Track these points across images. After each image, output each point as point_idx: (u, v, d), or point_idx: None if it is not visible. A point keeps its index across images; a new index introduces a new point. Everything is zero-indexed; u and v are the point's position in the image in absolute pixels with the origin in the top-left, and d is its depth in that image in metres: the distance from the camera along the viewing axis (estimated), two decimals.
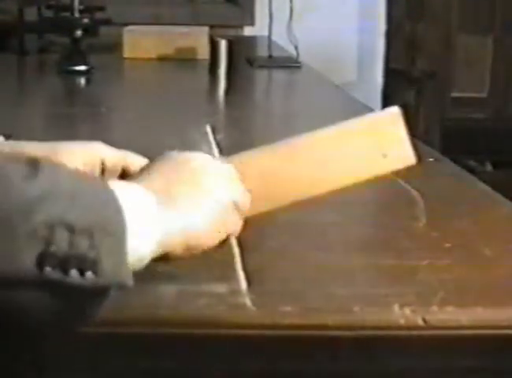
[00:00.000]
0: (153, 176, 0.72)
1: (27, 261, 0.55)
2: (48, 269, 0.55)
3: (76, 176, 0.62)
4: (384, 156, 0.81)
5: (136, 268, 0.64)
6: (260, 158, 0.81)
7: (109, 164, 0.84)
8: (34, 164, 0.57)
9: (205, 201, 0.72)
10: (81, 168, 0.82)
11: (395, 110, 0.82)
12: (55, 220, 0.56)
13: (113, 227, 0.60)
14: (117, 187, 0.63)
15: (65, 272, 0.56)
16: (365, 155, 0.81)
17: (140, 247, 0.64)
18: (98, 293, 0.60)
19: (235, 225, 0.76)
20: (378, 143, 0.81)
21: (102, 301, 0.61)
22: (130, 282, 0.60)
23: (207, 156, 0.78)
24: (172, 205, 0.69)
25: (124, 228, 0.60)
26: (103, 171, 0.84)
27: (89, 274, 0.57)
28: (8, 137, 0.88)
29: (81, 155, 0.83)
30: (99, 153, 0.84)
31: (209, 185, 0.73)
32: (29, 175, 0.56)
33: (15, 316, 0.58)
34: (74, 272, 0.56)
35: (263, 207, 0.81)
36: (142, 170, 0.75)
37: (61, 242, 0.56)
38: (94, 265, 0.57)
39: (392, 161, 0.82)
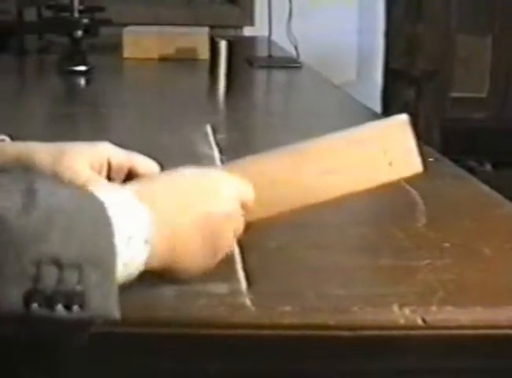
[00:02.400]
0: (155, 184, 0.72)
1: (14, 298, 0.56)
2: (34, 306, 0.57)
3: (72, 201, 0.61)
4: (390, 164, 0.81)
5: (130, 278, 0.65)
6: (266, 164, 0.81)
7: (115, 164, 0.84)
8: (30, 196, 0.58)
9: (197, 212, 0.72)
10: (88, 168, 0.82)
11: (403, 118, 0.82)
12: (45, 258, 0.57)
13: (103, 259, 0.60)
14: (110, 200, 0.63)
15: (52, 307, 0.57)
16: (371, 163, 0.80)
17: (131, 256, 0.65)
18: (84, 325, 0.61)
19: (230, 242, 0.76)
20: (385, 152, 0.80)
21: (87, 331, 0.62)
22: (117, 315, 0.61)
23: (220, 174, 0.78)
24: (158, 210, 0.69)
25: (114, 259, 0.61)
26: (109, 170, 0.84)
27: (75, 308, 0.58)
28: (11, 138, 0.89)
29: (88, 156, 0.83)
30: (106, 154, 0.84)
31: (209, 201, 0.73)
32: (23, 211, 0.57)
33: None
34: (60, 308, 0.57)
35: (268, 212, 0.81)
36: (148, 177, 0.76)
37: (49, 279, 0.57)
38: (81, 299, 0.58)
39: (398, 169, 0.81)
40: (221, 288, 0.79)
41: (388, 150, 0.81)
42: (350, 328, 0.74)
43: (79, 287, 0.58)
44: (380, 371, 0.76)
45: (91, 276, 0.59)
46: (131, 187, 0.70)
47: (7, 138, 0.88)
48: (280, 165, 0.81)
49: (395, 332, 0.75)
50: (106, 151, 0.85)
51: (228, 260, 0.85)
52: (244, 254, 0.88)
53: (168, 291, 0.77)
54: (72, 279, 0.58)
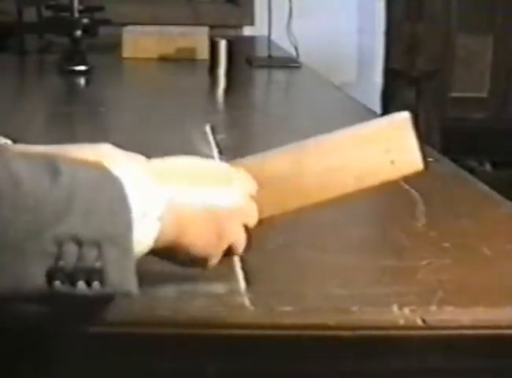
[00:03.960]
0: (170, 163, 0.74)
1: (37, 276, 0.59)
2: (57, 283, 0.60)
3: (91, 179, 0.63)
4: (392, 162, 0.81)
5: (143, 251, 0.67)
6: (268, 162, 0.81)
7: None
8: (53, 176, 0.60)
9: (208, 196, 0.73)
10: None
11: (405, 115, 0.81)
12: (65, 236, 0.59)
13: (121, 237, 0.62)
14: (126, 176, 0.65)
15: (73, 284, 0.60)
16: (373, 161, 0.80)
17: (144, 233, 0.66)
18: (104, 300, 0.64)
19: (238, 236, 0.76)
20: (386, 150, 0.80)
21: (107, 306, 0.65)
22: (135, 290, 0.63)
23: (225, 166, 0.79)
24: (172, 188, 0.70)
25: (131, 236, 0.63)
26: None
27: (95, 284, 0.61)
28: (14, 142, 0.89)
29: (90, 156, 0.84)
30: (108, 155, 0.85)
31: (221, 189, 0.74)
32: (48, 188, 0.59)
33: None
34: (81, 284, 0.60)
35: (270, 211, 0.80)
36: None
37: (70, 257, 0.60)
38: (100, 275, 0.61)
39: (400, 167, 0.81)
40: (221, 288, 0.79)
41: (390, 149, 0.81)
42: (350, 328, 0.74)
43: (98, 264, 0.60)
44: (380, 371, 0.76)
45: (110, 253, 0.61)
46: (147, 163, 0.71)
47: (9, 142, 0.89)
48: (282, 164, 0.80)
49: (394, 332, 0.75)
50: (109, 153, 0.85)
51: (227, 260, 0.85)
52: (243, 254, 0.87)
53: (168, 291, 0.77)
54: (91, 256, 0.60)
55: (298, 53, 2.55)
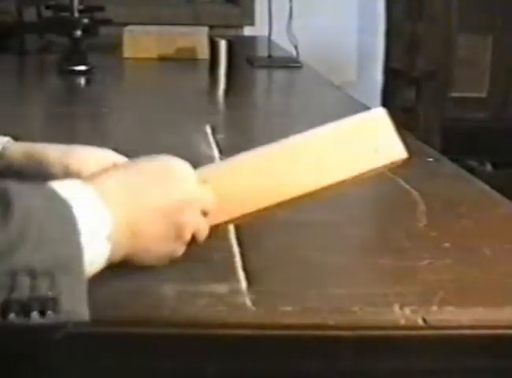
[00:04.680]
0: (112, 178, 0.73)
1: None
2: (11, 316, 0.60)
3: (41, 206, 0.63)
4: (376, 151, 0.82)
5: (95, 271, 0.67)
6: (254, 158, 0.81)
7: None
8: (5, 209, 0.60)
9: (154, 200, 0.73)
10: (96, 166, 0.83)
11: (380, 110, 0.84)
12: (18, 267, 0.60)
13: (73, 264, 0.63)
14: (74, 198, 0.65)
15: (28, 315, 0.60)
16: (357, 150, 0.82)
17: (96, 253, 0.66)
18: (57, 327, 0.64)
19: (197, 225, 0.76)
20: (368, 139, 0.82)
21: (61, 332, 0.66)
22: (86, 317, 0.64)
23: (175, 159, 0.78)
24: (116, 204, 0.69)
25: (82, 262, 0.64)
26: None
27: (49, 313, 0.61)
28: (15, 139, 0.89)
29: (96, 154, 0.85)
30: (112, 158, 0.86)
31: (166, 188, 0.74)
32: (1, 224, 0.59)
33: None
34: (35, 314, 0.61)
35: (260, 204, 0.81)
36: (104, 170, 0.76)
37: (23, 288, 0.60)
38: (53, 304, 0.61)
39: (384, 155, 0.83)
40: (221, 288, 0.79)
41: (372, 138, 0.83)
42: (350, 328, 0.74)
43: (51, 293, 0.61)
44: (380, 371, 0.76)
45: (62, 280, 0.62)
46: (89, 181, 0.71)
47: (11, 140, 0.89)
48: (267, 159, 0.81)
49: (395, 332, 0.75)
50: (112, 156, 0.87)
51: (228, 260, 0.86)
52: (244, 254, 0.88)
53: (168, 291, 0.77)
54: (44, 285, 0.61)
55: (298, 53, 2.55)
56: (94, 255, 0.66)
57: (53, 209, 0.63)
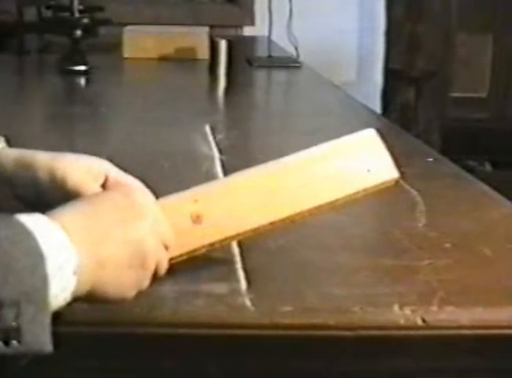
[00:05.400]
0: (77, 213, 0.72)
1: None
2: None
3: (7, 238, 0.64)
4: (369, 171, 0.84)
5: (60, 304, 0.67)
6: (247, 178, 0.82)
7: (111, 180, 0.84)
8: None
9: (120, 239, 0.72)
10: (84, 172, 0.83)
11: (371, 132, 0.85)
12: None
13: (38, 295, 0.63)
14: (40, 232, 0.65)
15: None
16: (350, 170, 0.84)
17: (60, 287, 0.66)
18: (20, 357, 0.66)
19: (158, 254, 0.75)
20: (361, 159, 0.84)
21: (24, 360, 0.68)
22: (49, 348, 0.64)
23: (139, 190, 0.78)
24: (82, 240, 0.69)
25: (47, 293, 0.64)
26: (105, 184, 0.84)
27: (13, 343, 0.62)
28: (7, 139, 0.89)
29: (87, 162, 0.84)
30: (104, 166, 0.85)
31: (127, 215, 0.73)
32: None
33: None
34: (0, 343, 0.62)
35: (253, 224, 0.81)
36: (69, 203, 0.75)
37: None
38: (17, 335, 0.62)
39: (376, 175, 0.84)
40: (221, 288, 0.79)
41: (364, 158, 0.84)
42: (350, 328, 0.74)
43: (15, 324, 0.62)
44: (380, 371, 0.76)
45: (27, 311, 0.62)
46: (58, 217, 0.70)
47: (1, 138, 0.89)
48: (264, 178, 0.82)
49: (395, 332, 0.75)
50: (105, 165, 0.85)
51: (228, 260, 0.86)
52: (244, 254, 0.88)
53: (168, 291, 0.77)
54: (9, 316, 0.62)
55: (298, 53, 2.55)
56: (60, 288, 0.66)
57: (19, 241, 0.64)
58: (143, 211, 0.75)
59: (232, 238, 0.81)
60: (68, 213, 0.71)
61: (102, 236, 0.71)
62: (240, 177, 0.82)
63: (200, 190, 0.81)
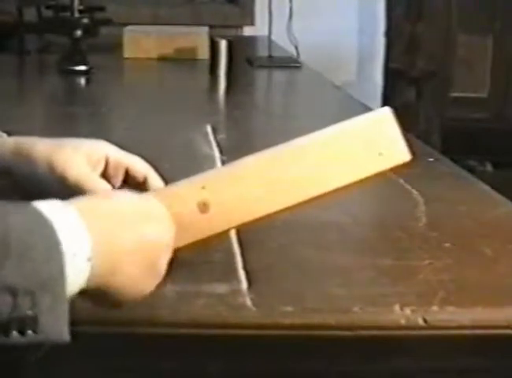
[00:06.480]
0: (97, 203, 0.72)
1: None
2: None
3: (24, 225, 0.63)
4: (380, 154, 0.82)
5: (76, 291, 0.66)
6: (255, 163, 0.81)
7: (112, 161, 0.84)
8: None
9: (136, 235, 0.71)
10: (84, 162, 0.83)
11: (386, 110, 0.83)
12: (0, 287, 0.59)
13: (54, 284, 0.62)
14: (57, 219, 0.64)
15: (7, 334, 0.60)
16: (361, 154, 0.81)
17: (75, 274, 0.65)
18: (37, 346, 0.64)
19: (164, 269, 0.74)
20: (373, 142, 0.82)
21: (40, 351, 0.66)
22: (66, 338, 0.63)
23: (154, 200, 0.77)
24: (99, 229, 0.68)
25: (64, 282, 0.63)
26: (107, 168, 0.84)
27: (29, 332, 0.61)
28: (8, 135, 0.89)
29: (85, 150, 0.84)
30: (104, 150, 0.85)
31: (149, 226, 0.72)
32: None
33: None
34: (15, 333, 0.60)
35: (262, 211, 0.80)
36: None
37: (4, 307, 0.59)
38: (33, 324, 0.61)
39: (388, 158, 0.82)
40: (222, 288, 0.79)
41: (376, 141, 0.82)
42: (350, 328, 0.74)
43: (31, 313, 0.61)
44: (380, 371, 0.76)
45: (43, 300, 0.61)
46: (74, 204, 0.70)
47: (4, 135, 0.89)
48: (272, 162, 0.80)
49: (395, 332, 0.75)
50: (104, 148, 0.85)
51: (229, 260, 0.86)
52: (244, 254, 0.88)
53: (168, 291, 0.77)
54: (25, 305, 0.60)
55: (298, 53, 2.55)
56: (74, 275, 0.65)
57: (35, 229, 0.63)
58: (161, 213, 0.74)
59: (240, 226, 0.80)
60: (84, 201, 0.71)
61: (120, 227, 0.70)
62: (249, 162, 0.80)
63: (208, 176, 0.79)
